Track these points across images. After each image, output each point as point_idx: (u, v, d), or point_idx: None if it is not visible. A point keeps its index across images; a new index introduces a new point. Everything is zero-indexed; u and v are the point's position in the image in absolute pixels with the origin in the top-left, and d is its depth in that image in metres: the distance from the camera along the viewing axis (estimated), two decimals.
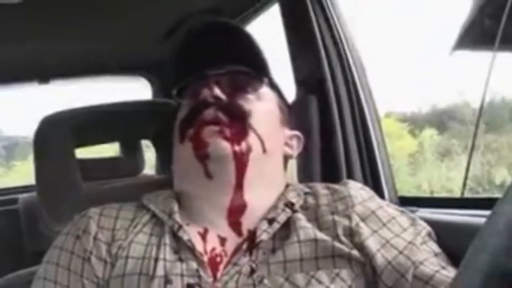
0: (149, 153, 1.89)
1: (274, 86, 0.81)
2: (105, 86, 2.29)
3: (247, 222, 0.72)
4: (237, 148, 0.71)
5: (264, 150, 0.73)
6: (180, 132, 0.75)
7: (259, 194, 0.73)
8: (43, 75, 1.94)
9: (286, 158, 0.80)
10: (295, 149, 0.81)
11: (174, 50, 0.83)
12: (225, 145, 0.70)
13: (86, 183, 0.93)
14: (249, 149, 0.71)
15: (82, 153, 1.00)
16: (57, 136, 0.91)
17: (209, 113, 0.72)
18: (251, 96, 0.75)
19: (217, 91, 0.73)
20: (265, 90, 0.78)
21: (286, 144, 0.79)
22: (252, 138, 0.72)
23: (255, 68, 0.78)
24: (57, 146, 0.90)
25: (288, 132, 0.80)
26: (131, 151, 1.66)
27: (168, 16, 1.28)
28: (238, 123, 0.72)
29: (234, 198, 0.72)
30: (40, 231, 1.33)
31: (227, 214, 0.72)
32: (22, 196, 1.86)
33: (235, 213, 0.72)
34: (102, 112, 0.97)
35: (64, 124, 0.92)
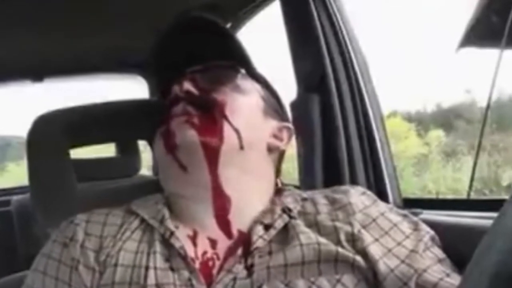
0: (145, 154, 1.88)
1: (257, 77, 0.80)
2: (101, 85, 2.28)
3: (236, 221, 0.70)
4: (205, 136, 0.69)
5: (241, 141, 0.71)
6: (157, 131, 0.75)
7: (243, 189, 0.71)
8: (37, 73, 1.94)
9: (275, 151, 0.77)
10: (285, 141, 0.77)
11: (151, 52, 0.82)
12: (192, 133, 0.69)
13: (81, 184, 0.92)
14: (220, 139, 0.69)
15: (77, 153, 0.99)
16: (51, 136, 0.89)
17: (178, 107, 0.72)
18: (227, 88, 0.74)
19: (187, 86, 0.73)
20: (243, 81, 0.76)
21: (275, 136, 0.76)
22: (226, 129, 0.70)
23: (231, 60, 0.77)
24: (51, 146, 0.89)
25: (277, 123, 0.77)
26: (128, 151, 1.65)
27: (166, 13, 1.26)
28: (209, 114, 0.71)
29: (215, 192, 0.70)
30: (33, 233, 1.31)
31: (213, 211, 0.70)
32: (15, 198, 1.85)
33: (221, 209, 0.70)
34: (97, 112, 0.96)
35: (58, 123, 0.91)
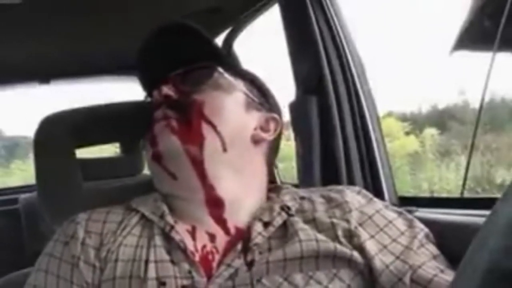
0: None
1: (238, 73, 0.80)
2: (105, 87, 2.29)
3: (232, 219, 0.71)
4: (187, 142, 0.71)
5: (224, 144, 0.72)
6: (146, 137, 0.76)
7: (234, 186, 0.72)
8: (44, 76, 1.95)
9: (261, 143, 0.77)
10: (271, 132, 0.78)
11: (136, 60, 0.84)
12: (174, 139, 0.70)
13: (86, 183, 0.93)
14: (201, 143, 0.71)
15: (82, 153, 1.00)
16: (57, 136, 0.90)
17: (158, 112, 0.74)
18: (208, 88, 0.75)
19: (166, 90, 0.74)
20: (222, 79, 0.77)
21: (261, 128, 0.77)
22: (206, 131, 0.71)
23: (208, 60, 0.78)
24: (57, 146, 0.90)
25: (262, 115, 0.78)
26: (131, 151, 1.66)
27: (169, 16, 1.28)
28: (189, 116, 0.72)
29: (207, 195, 0.71)
30: (40, 231, 1.32)
31: (208, 210, 0.71)
32: (22, 196, 1.86)
33: (215, 209, 0.71)
34: (102, 113, 0.96)
35: (65, 124, 0.91)
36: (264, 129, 0.77)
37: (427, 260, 0.66)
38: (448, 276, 0.63)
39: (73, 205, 0.86)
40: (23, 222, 1.76)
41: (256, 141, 0.76)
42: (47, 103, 2.40)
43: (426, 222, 0.73)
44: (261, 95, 0.80)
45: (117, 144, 1.90)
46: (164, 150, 0.71)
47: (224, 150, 0.72)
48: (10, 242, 1.75)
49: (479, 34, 0.97)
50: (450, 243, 0.69)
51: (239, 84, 0.78)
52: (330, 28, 1.06)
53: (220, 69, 0.78)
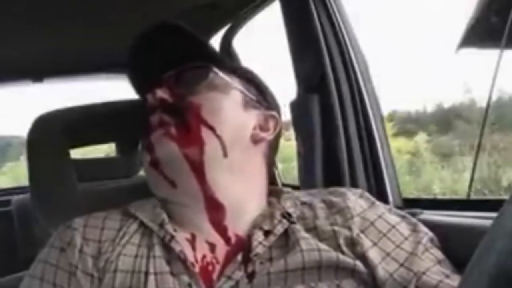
0: None
1: (233, 71, 0.79)
2: (101, 85, 2.28)
3: (233, 226, 0.70)
4: (186, 148, 0.69)
5: (225, 149, 0.70)
6: (143, 143, 0.75)
7: (235, 191, 0.71)
8: (37, 74, 1.94)
9: (261, 142, 0.75)
10: (271, 131, 0.76)
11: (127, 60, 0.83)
12: (172, 146, 0.69)
13: (81, 184, 0.92)
14: (201, 147, 0.69)
15: (78, 153, 0.99)
16: (51, 135, 0.89)
17: (154, 118, 0.72)
18: (203, 88, 0.73)
19: (160, 93, 0.73)
20: (217, 78, 0.75)
21: (260, 127, 0.75)
22: (206, 134, 0.69)
23: (201, 60, 0.77)
24: (51, 146, 0.89)
25: (260, 113, 0.76)
26: (128, 151, 1.64)
27: (166, 12, 1.26)
28: (187, 120, 0.70)
29: (208, 202, 0.70)
30: (34, 234, 1.31)
31: (208, 217, 0.70)
32: (15, 198, 1.85)
33: (215, 216, 0.70)
34: (97, 111, 0.95)
35: (58, 123, 0.90)
36: (263, 128, 0.76)
37: (431, 265, 0.65)
38: (454, 281, 0.62)
39: (68, 207, 0.85)
40: (16, 224, 1.74)
41: (255, 141, 0.75)
42: (41, 102, 2.39)
43: (431, 224, 0.72)
44: (258, 92, 0.79)
45: (112, 144, 1.89)
46: (162, 156, 0.70)
47: (225, 155, 0.70)
48: (3, 245, 1.73)
49: (486, 31, 0.96)
50: (456, 246, 0.68)
51: (235, 83, 0.76)
52: (332, 24, 1.05)
53: (215, 69, 0.76)
